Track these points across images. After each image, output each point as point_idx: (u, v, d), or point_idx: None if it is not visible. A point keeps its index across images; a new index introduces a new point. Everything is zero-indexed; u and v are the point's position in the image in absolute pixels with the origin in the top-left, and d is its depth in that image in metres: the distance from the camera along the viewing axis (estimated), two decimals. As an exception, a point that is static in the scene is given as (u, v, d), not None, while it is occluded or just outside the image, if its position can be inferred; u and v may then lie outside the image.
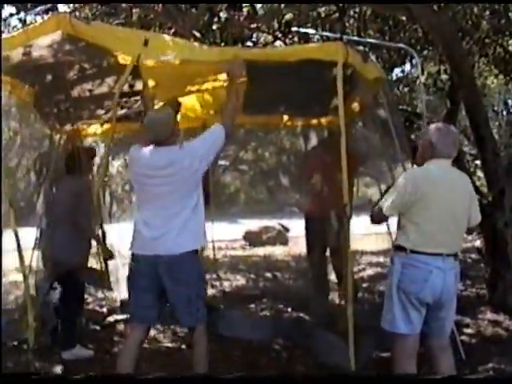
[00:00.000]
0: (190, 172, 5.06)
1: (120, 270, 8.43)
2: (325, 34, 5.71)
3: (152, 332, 7.01)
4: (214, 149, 5.21)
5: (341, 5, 11.23)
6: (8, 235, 6.46)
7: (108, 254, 7.04)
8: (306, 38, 11.41)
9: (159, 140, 5.12)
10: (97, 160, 7.55)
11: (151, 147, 5.19)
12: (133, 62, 5.62)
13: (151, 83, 6.36)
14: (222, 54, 5.92)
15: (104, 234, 7.72)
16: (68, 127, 7.59)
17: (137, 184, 5.29)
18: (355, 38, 6.19)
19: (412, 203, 4.80)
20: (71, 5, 10.97)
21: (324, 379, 4.42)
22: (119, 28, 6.76)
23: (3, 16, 11.46)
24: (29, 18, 10.81)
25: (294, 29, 8.87)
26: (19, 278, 6.48)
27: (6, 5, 10.61)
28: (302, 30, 7.89)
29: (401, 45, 8.08)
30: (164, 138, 5.10)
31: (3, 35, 8.06)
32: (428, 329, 4.94)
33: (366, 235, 11.16)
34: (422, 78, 14.44)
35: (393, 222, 7.06)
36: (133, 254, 5.26)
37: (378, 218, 5.10)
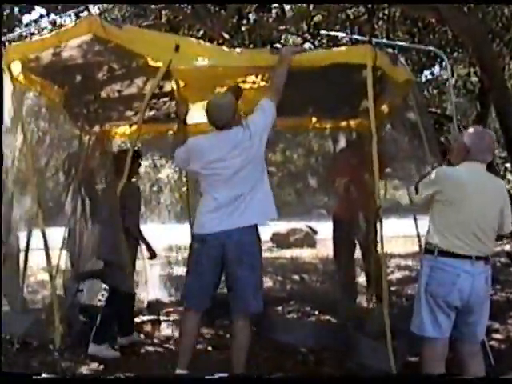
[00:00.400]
0: (253, 150, 5.25)
1: (148, 271, 8.45)
2: (354, 36, 5.67)
3: (177, 334, 7.03)
4: (270, 124, 5.40)
5: (369, 6, 11.21)
6: (36, 234, 6.52)
7: (152, 253, 7.20)
8: (334, 41, 11.40)
9: (220, 125, 5.32)
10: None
11: (213, 134, 5.42)
12: (164, 67, 5.73)
13: (181, 84, 6.37)
14: (252, 60, 5.96)
15: None
16: (97, 128, 7.62)
17: (204, 170, 5.37)
18: (384, 41, 6.14)
19: (437, 201, 4.80)
20: (101, 6, 11.04)
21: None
22: (150, 32, 6.77)
23: (33, 18, 11.57)
24: (58, 20, 10.89)
25: (323, 32, 8.81)
26: (46, 277, 6.50)
27: (36, 6, 10.71)
28: (332, 33, 7.85)
29: (431, 47, 7.99)
30: (225, 122, 5.29)
31: (34, 37, 8.13)
32: (459, 334, 4.88)
33: (394, 238, 11.13)
34: (452, 80, 14.38)
35: (422, 224, 7.04)
36: (196, 236, 5.39)
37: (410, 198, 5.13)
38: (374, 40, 5.99)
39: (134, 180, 7.16)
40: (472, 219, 4.71)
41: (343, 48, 6.23)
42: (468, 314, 4.79)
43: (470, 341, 4.91)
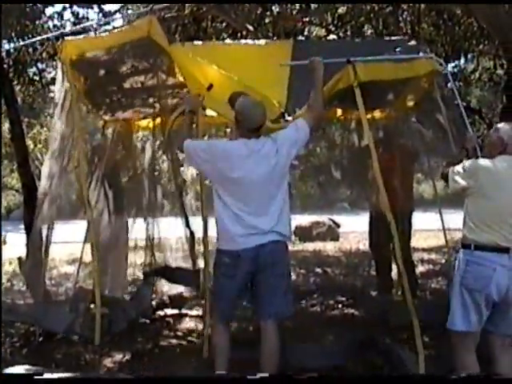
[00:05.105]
0: (279, 166, 5.05)
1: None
2: (332, 60, 5.65)
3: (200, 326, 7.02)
4: (300, 144, 5.21)
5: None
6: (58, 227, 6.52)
7: None
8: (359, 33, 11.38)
9: (257, 127, 5.06)
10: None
11: (241, 141, 5.09)
12: None
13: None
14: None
15: None
16: (120, 114, 7.61)
17: (228, 179, 5.06)
18: (362, 58, 6.09)
19: (473, 194, 4.79)
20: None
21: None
22: (194, 60, 6.63)
23: (56, 10, 11.67)
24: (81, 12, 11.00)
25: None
26: (69, 269, 6.49)
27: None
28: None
29: (428, 55, 7.41)
30: (262, 125, 5.09)
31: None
32: (493, 327, 4.84)
33: (417, 231, 11.01)
34: (477, 73, 14.28)
35: (447, 219, 6.98)
36: (225, 252, 5.12)
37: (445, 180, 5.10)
38: (353, 59, 5.93)
39: None
40: (508, 210, 4.71)
41: (337, 75, 6.18)
42: (506, 308, 4.76)
43: (504, 334, 4.86)
